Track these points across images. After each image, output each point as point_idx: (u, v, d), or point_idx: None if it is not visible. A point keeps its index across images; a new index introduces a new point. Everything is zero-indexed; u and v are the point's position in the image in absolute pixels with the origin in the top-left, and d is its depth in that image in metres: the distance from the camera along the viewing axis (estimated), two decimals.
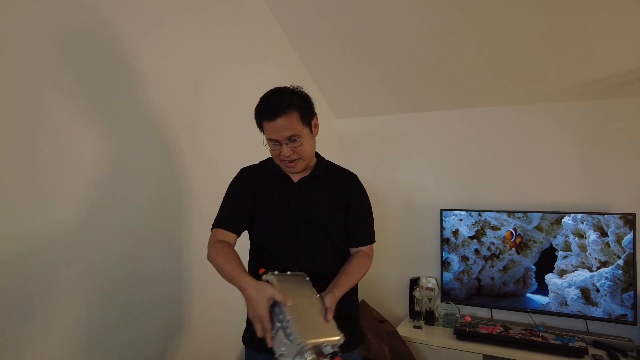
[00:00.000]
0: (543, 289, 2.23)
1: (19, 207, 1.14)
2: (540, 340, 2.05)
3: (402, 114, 2.72)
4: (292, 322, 0.98)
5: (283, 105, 1.19)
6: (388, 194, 2.74)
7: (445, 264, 2.46)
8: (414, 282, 2.56)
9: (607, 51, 1.95)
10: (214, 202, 1.36)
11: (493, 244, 2.34)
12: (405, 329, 2.37)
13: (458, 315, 2.41)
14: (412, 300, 2.52)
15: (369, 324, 2.20)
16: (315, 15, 2.17)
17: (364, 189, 1.40)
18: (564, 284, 2.17)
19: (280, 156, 1.24)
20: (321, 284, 1.17)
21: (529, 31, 1.96)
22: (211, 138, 1.83)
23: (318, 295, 1.12)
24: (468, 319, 2.36)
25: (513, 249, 2.29)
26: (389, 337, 2.17)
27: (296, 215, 1.28)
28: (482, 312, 2.45)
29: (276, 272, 1.11)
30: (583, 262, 2.13)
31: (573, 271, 2.16)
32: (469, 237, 2.40)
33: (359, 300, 1.59)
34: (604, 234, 2.09)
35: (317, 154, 1.38)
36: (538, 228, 2.24)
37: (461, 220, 2.41)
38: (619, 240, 2.06)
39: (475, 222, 2.38)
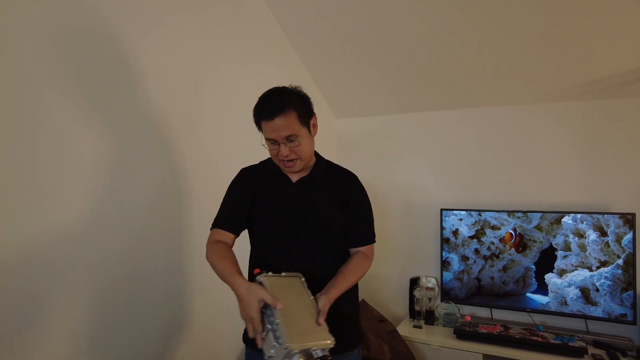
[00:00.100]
0: (543, 289, 2.23)
1: (18, 208, 1.14)
2: (540, 339, 2.05)
3: (402, 114, 2.73)
4: (280, 325, 0.98)
5: (281, 105, 1.19)
6: (388, 194, 2.74)
7: (445, 264, 2.46)
8: (414, 282, 2.56)
9: (607, 51, 1.95)
10: (214, 202, 1.36)
11: (493, 243, 2.34)
12: (405, 329, 2.37)
13: (458, 314, 2.41)
14: (412, 299, 2.52)
15: (369, 323, 2.20)
16: (315, 15, 2.17)
17: (363, 188, 1.39)
18: (564, 283, 2.17)
19: (279, 156, 1.24)
20: (320, 285, 1.18)
21: (529, 31, 1.96)
22: (211, 138, 1.83)
23: (312, 297, 1.11)
24: (468, 318, 2.36)
25: (513, 249, 2.30)
26: (389, 337, 2.18)
27: (295, 215, 1.28)
28: (482, 312, 2.46)
29: (270, 273, 1.11)
30: (583, 262, 2.13)
31: (573, 271, 2.16)
32: (469, 236, 2.40)
33: (359, 299, 1.59)
34: (603, 233, 2.09)
35: (316, 154, 1.38)
36: (538, 228, 2.24)
37: (461, 220, 2.42)
38: (618, 240, 2.06)
39: (475, 221, 2.38)
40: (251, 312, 1.03)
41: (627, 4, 1.73)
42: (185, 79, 1.71)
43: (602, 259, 2.09)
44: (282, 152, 1.22)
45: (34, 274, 1.17)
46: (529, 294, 2.27)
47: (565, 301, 2.17)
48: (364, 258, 1.32)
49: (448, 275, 2.45)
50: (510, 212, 2.30)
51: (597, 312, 2.10)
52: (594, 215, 2.11)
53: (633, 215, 2.04)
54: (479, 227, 2.37)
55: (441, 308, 2.46)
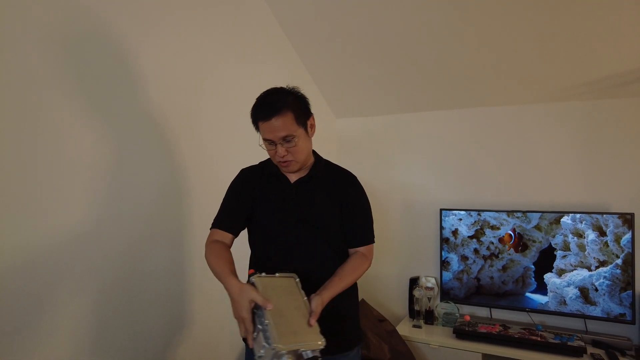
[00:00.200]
0: (542, 289, 2.23)
1: (19, 208, 1.14)
2: (539, 339, 2.06)
3: (402, 114, 2.73)
4: (270, 325, 0.99)
5: (278, 106, 1.20)
6: (388, 194, 2.74)
7: (444, 264, 2.47)
8: (414, 282, 2.57)
9: (607, 51, 1.95)
10: (214, 202, 1.36)
11: (492, 243, 2.35)
12: (404, 328, 2.37)
13: (457, 314, 2.41)
14: (411, 299, 2.52)
15: (368, 323, 2.20)
16: (315, 15, 2.17)
17: (362, 188, 1.39)
18: (563, 283, 2.18)
19: (276, 156, 1.25)
20: (319, 285, 1.18)
21: (529, 31, 1.96)
22: (211, 138, 1.83)
23: (306, 298, 1.11)
24: (467, 318, 2.36)
25: (512, 249, 2.30)
26: (389, 336, 2.18)
27: (293, 215, 1.29)
28: (482, 312, 2.46)
29: (263, 274, 1.11)
30: (582, 262, 2.14)
31: (572, 270, 2.16)
32: (469, 236, 2.40)
33: (359, 299, 1.59)
34: (602, 233, 2.10)
35: (315, 154, 1.38)
36: (537, 228, 2.24)
37: (460, 219, 2.42)
38: (617, 239, 2.06)
39: (475, 221, 2.38)
40: (242, 312, 1.05)
41: (627, 4, 1.73)
42: (185, 79, 1.71)
43: (601, 258, 2.09)
44: (279, 153, 1.23)
45: (35, 274, 1.17)
46: (528, 294, 2.27)
47: (565, 301, 2.17)
48: (362, 258, 1.31)
49: (447, 275, 2.46)
50: (509, 212, 2.31)
51: (596, 311, 2.10)
52: (593, 215, 2.12)
53: (632, 215, 2.04)
54: (479, 227, 2.38)
55: (441, 308, 2.46)
